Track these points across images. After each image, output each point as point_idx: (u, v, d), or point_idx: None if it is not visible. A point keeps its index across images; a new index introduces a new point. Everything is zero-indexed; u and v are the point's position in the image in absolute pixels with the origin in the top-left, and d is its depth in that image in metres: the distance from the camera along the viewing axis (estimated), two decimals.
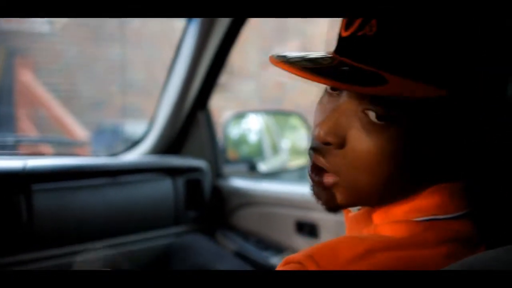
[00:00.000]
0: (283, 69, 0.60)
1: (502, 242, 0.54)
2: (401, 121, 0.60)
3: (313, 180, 0.67)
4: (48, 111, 5.01)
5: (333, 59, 0.62)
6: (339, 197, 0.66)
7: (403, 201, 0.65)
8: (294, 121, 2.67)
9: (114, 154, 1.99)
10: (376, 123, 0.60)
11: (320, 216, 1.59)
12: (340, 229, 1.56)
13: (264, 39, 7.93)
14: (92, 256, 1.55)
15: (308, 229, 1.64)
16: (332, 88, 0.65)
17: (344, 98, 0.63)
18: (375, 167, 0.62)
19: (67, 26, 5.62)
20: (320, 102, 0.68)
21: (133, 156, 1.93)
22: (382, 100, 0.59)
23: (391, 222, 0.65)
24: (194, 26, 1.76)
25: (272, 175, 2.32)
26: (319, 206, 1.75)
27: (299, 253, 0.61)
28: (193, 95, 1.87)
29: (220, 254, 1.55)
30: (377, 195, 0.64)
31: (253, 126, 2.46)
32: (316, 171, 0.66)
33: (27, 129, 4.91)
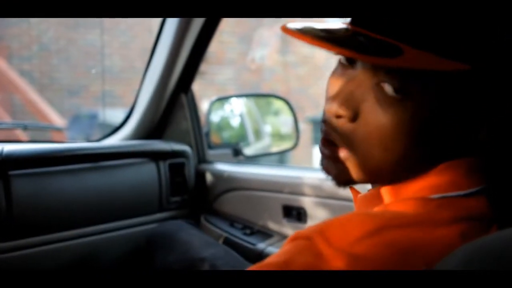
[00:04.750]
0: (297, 38, 0.58)
1: None
2: (418, 95, 0.57)
3: (323, 154, 0.65)
4: (23, 97, 4.91)
5: (348, 29, 0.60)
6: (351, 172, 0.64)
7: (415, 178, 0.63)
8: (278, 105, 2.64)
9: (94, 140, 1.93)
10: (392, 97, 0.58)
11: (308, 200, 1.56)
12: (328, 213, 1.54)
13: (241, 25, 7.87)
14: (74, 243, 1.51)
15: (295, 213, 1.61)
16: (347, 60, 0.63)
17: (358, 70, 0.61)
18: (389, 142, 0.60)
19: None
20: (333, 74, 0.65)
21: (115, 141, 1.87)
22: (398, 73, 0.57)
23: (403, 199, 0.62)
24: None
25: (255, 159, 2.30)
26: (306, 190, 1.71)
27: (308, 229, 0.58)
28: (175, 78, 1.82)
29: (206, 240, 1.51)
30: (390, 171, 0.62)
31: (235, 111, 2.43)
32: (327, 145, 0.64)
33: (0, 115, 4.82)
